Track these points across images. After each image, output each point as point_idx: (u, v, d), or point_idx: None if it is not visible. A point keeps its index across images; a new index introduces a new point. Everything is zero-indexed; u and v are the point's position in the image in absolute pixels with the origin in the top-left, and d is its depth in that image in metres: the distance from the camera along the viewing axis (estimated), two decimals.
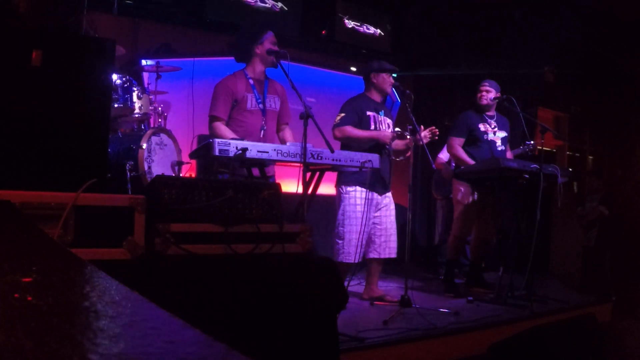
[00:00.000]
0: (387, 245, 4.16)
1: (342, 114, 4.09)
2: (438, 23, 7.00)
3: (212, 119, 3.70)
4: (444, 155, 5.59)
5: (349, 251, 3.96)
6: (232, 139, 3.18)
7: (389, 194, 4.23)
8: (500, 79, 4.88)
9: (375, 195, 4.10)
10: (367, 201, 3.93)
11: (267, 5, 5.94)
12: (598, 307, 4.51)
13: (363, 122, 4.10)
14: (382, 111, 4.24)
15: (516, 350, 3.18)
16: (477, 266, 4.88)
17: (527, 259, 4.16)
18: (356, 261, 3.93)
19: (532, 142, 4.87)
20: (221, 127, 3.65)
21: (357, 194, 4.01)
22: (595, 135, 10.35)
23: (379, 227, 4.14)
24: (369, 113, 4.13)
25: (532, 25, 6.84)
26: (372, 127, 4.12)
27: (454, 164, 5.56)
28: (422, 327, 3.29)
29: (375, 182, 4.04)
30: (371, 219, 4.08)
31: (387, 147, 4.12)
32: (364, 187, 3.93)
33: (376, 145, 4.04)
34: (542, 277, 5.25)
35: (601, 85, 8.64)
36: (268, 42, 3.78)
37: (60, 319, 0.59)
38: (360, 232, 3.90)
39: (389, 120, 4.26)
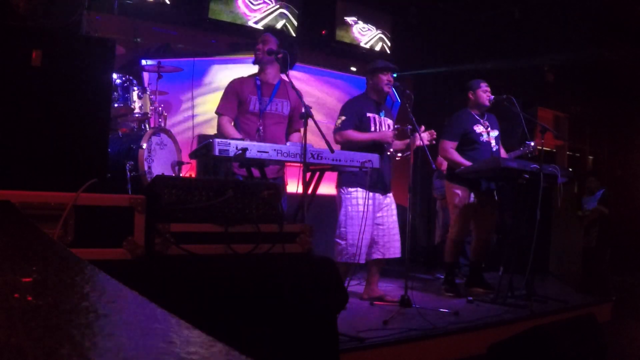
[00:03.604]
0: (391, 245, 4.16)
1: (343, 117, 4.09)
2: (438, 23, 7.01)
3: (218, 115, 3.75)
4: None
5: (352, 252, 3.94)
6: (234, 138, 3.19)
7: (390, 195, 4.23)
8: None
9: (377, 195, 4.10)
10: (368, 201, 3.93)
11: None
12: (598, 307, 4.51)
13: (363, 124, 4.10)
14: (383, 112, 4.24)
15: (516, 350, 3.18)
16: (478, 266, 4.87)
17: (527, 259, 4.15)
18: (358, 262, 3.92)
19: (532, 142, 4.85)
20: (226, 125, 3.67)
21: (358, 195, 4.01)
22: (595, 135, 10.35)
23: (381, 227, 4.14)
24: (369, 114, 4.13)
25: (532, 25, 6.83)
26: (372, 128, 4.12)
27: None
28: (422, 327, 3.28)
29: (376, 183, 4.04)
30: (373, 219, 4.08)
31: (386, 146, 4.13)
32: (365, 188, 3.94)
33: (376, 146, 4.03)
34: (542, 277, 5.25)
35: (601, 85, 8.64)
36: (261, 44, 3.75)
37: (60, 319, 0.59)
38: (361, 233, 3.90)
39: (389, 121, 4.25)
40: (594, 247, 7.07)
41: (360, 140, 4.02)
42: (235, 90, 3.73)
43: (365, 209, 3.89)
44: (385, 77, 4.17)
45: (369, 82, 4.25)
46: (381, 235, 4.14)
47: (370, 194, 3.98)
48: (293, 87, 3.33)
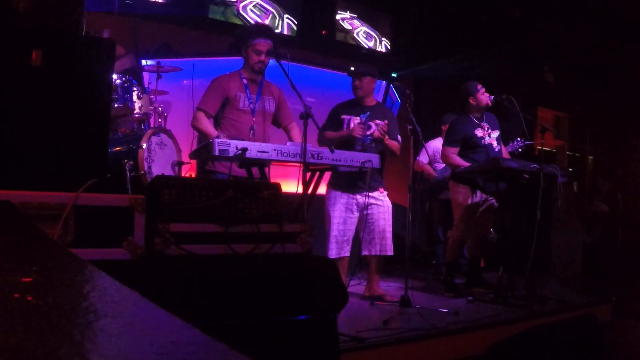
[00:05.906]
0: (380, 243, 4.15)
1: (325, 121, 4.30)
2: (438, 23, 7.00)
3: (198, 109, 3.74)
4: (424, 158, 5.60)
5: (330, 247, 4.11)
6: (225, 136, 3.21)
7: (375, 194, 4.20)
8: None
9: (354, 195, 4.13)
10: (336, 201, 4.13)
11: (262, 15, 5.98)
12: (598, 307, 4.51)
13: (338, 125, 4.23)
14: (367, 113, 4.25)
15: (516, 350, 3.18)
16: (476, 266, 4.87)
17: (527, 259, 4.15)
18: (334, 256, 4.03)
19: (520, 139, 4.84)
20: (203, 119, 3.69)
21: (330, 195, 4.19)
22: (595, 135, 10.34)
23: (370, 224, 4.16)
24: (343, 116, 4.25)
25: (532, 25, 6.83)
26: (344, 129, 4.21)
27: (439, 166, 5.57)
28: (422, 327, 3.28)
29: (349, 183, 4.09)
30: (353, 218, 4.17)
31: (364, 141, 4.14)
32: (337, 190, 4.13)
33: (348, 143, 4.09)
34: (542, 277, 5.24)
35: (601, 85, 8.63)
36: (252, 49, 3.74)
37: (60, 319, 0.59)
38: (333, 230, 4.08)
39: (372, 122, 4.22)
40: (597, 244, 7.06)
41: (334, 139, 4.04)
42: (222, 88, 3.73)
43: (337, 208, 4.05)
44: (356, 82, 4.26)
45: None
46: (367, 231, 4.18)
47: (345, 194, 4.12)
48: (293, 87, 3.32)
